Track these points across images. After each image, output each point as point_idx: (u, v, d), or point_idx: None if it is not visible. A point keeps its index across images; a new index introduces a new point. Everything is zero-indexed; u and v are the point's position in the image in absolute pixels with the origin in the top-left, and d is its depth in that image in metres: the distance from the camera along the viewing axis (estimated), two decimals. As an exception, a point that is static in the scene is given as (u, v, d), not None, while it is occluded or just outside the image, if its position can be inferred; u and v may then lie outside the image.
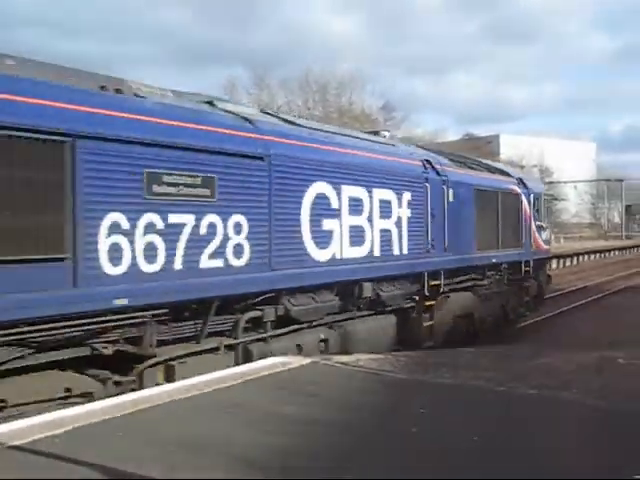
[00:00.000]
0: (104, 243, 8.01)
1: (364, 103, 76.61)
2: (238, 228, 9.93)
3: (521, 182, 20.24)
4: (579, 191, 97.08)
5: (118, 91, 8.84)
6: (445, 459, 6.16)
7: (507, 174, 19.96)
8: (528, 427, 7.16)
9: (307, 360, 10.40)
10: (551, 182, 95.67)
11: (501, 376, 9.92)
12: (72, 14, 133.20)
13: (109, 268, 8.05)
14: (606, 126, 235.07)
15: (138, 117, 8.62)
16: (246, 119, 10.81)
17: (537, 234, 20.88)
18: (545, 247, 21.87)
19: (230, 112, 10.85)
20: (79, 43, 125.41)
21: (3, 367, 7.53)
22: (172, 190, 8.83)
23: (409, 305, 14.98)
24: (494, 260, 17.86)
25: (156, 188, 8.61)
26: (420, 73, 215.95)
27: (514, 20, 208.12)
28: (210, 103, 10.98)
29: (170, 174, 8.82)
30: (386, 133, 32.42)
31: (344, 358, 10.98)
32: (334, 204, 12.09)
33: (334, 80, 73.70)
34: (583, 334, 19.33)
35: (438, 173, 15.45)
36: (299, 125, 12.54)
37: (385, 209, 13.45)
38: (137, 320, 8.69)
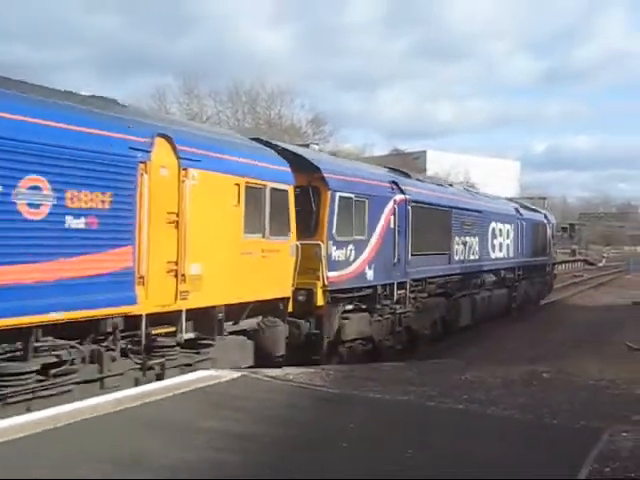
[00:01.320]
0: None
1: (294, 116, 76.86)
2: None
3: (546, 217, 33.59)
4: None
5: None
6: (377, 474, 6.14)
7: (543, 214, 33.71)
8: (457, 442, 7.21)
9: (237, 374, 10.28)
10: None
11: (430, 391, 10.02)
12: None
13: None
14: (530, 145, 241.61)
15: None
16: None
17: (551, 247, 34.28)
18: (554, 257, 36.76)
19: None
20: (5, 46, 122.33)
21: None
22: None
23: None
24: (535, 258, 30.89)
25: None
26: (350, 88, 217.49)
27: (444, 39, 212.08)
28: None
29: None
30: (315, 146, 32.84)
31: (273, 372, 10.90)
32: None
33: (264, 92, 73.70)
34: (509, 348, 19.65)
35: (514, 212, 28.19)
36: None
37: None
38: None
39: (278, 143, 15.28)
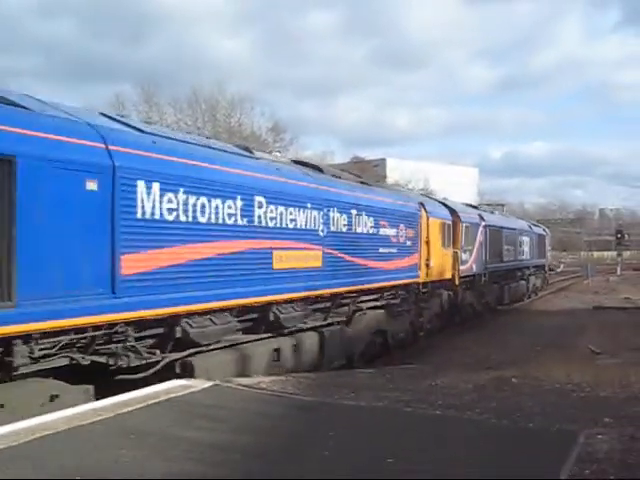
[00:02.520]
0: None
1: (253, 124, 76.80)
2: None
3: (545, 230, 46.85)
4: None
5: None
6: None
7: (542, 228, 46.65)
8: (438, 448, 7.27)
9: (209, 383, 10.23)
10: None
11: (403, 396, 10.09)
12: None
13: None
14: (487, 152, 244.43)
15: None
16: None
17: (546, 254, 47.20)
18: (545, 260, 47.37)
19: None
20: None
21: None
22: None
23: None
24: (537, 261, 42.71)
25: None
26: (310, 95, 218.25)
27: (402, 47, 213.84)
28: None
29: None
30: (277, 154, 33.41)
31: (245, 380, 10.87)
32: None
33: (224, 100, 73.54)
34: (475, 353, 19.86)
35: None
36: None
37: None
38: None
39: (444, 201, 26.66)
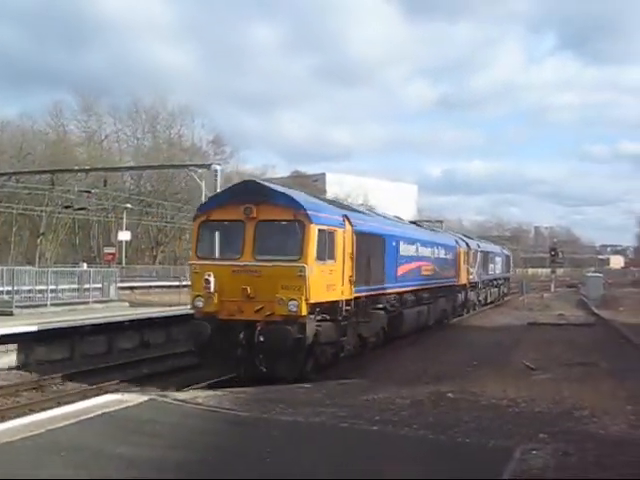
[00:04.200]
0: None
1: (194, 136, 76.47)
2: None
3: (508, 251, 63.15)
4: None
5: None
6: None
7: (507, 249, 65.08)
8: (379, 464, 7.27)
9: (144, 397, 10.10)
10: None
11: (341, 412, 10.08)
12: None
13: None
14: (426, 169, 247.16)
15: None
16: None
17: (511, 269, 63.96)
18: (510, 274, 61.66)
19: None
20: None
21: None
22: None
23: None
24: (504, 274, 55.11)
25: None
26: (252, 109, 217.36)
27: (344, 63, 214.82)
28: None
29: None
30: (217, 167, 33.39)
31: (182, 395, 10.75)
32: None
33: (164, 111, 73.04)
34: (412, 368, 19.94)
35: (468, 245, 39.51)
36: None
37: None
38: None
39: (464, 237, 40.64)
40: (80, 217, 61.83)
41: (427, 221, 55.30)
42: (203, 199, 43.43)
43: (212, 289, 15.96)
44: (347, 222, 18.04)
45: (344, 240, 17.64)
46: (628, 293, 53.41)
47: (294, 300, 15.54)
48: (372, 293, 19.94)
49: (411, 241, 25.01)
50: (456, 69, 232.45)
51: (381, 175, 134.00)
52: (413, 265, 24.82)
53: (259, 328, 15.54)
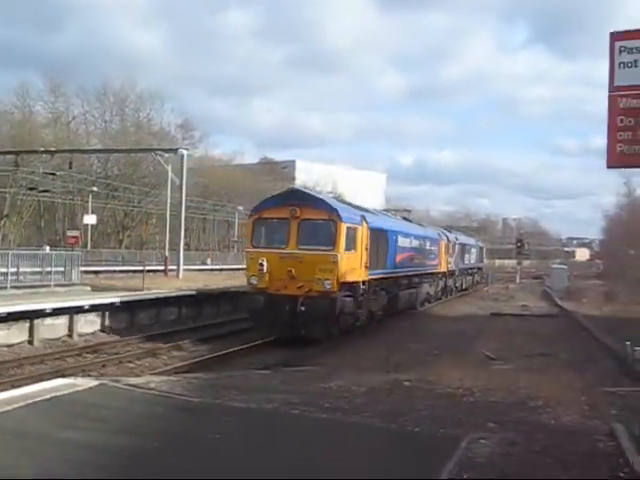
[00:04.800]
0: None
1: (163, 120, 75.80)
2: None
3: (482, 242, 71.96)
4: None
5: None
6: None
7: (481, 241, 73.33)
8: (323, 452, 7.22)
9: (95, 382, 9.97)
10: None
11: (294, 399, 10.03)
12: None
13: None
14: (397, 158, 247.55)
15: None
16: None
17: (484, 259, 69.93)
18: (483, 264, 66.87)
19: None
20: None
21: None
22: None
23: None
24: (478, 264, 60.94)
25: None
26: (224, 94, 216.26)
27: (318, 51, 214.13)
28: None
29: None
30: (184, 151, 33.05)
31: (134, 380, 10.63)
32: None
33: (133, 94, 72.17)
34: (372, 356, 19.95)
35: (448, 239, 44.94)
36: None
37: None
38: None
39: (446, 231, 46.94)
40: (46, 200, 61.11)
41: (394, 210, 55.78)
42: (169, 183, 43.64)
43: (265, 270, 21.11)
44: (364, 220, 23.48)
45: (362, 234, 22.94)
46: (592, 285, 53.89)
47: (328, 280, 20.77)
48: (379, 277, 25.33)
49: (406, 235, 30.56)
50: (428, 59, 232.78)
51: (352, 163, 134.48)
52: (407, 255, 30.34)
53: (301, 301, 20.73)
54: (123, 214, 68.06)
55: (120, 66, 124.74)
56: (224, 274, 47.97)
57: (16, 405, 8.23)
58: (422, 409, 9.76)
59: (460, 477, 6.34)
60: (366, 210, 26.73)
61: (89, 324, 23.15)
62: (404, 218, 38.07)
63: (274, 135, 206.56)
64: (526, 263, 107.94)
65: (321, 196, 25.45)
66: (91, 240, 59.77)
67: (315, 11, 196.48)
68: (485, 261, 72.10)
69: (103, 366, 17.57)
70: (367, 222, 23.66)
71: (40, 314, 20.79)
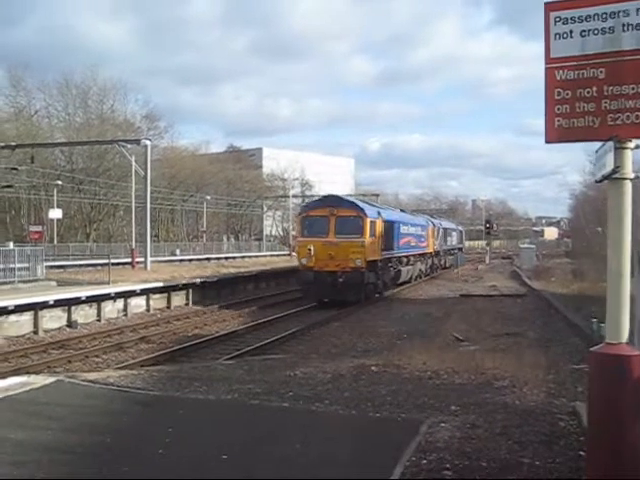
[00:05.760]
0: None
1: (127, 111, 75.04)
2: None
3: (461, 226, 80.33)
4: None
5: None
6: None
7: (460, 225, 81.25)
8: (279, 442, 7.09)
9: (51, 379, 9.73)
10: (311, 195, 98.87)
11: (256, 388, 9.89)
12: None
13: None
14: (366, 143, 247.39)
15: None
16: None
17: (464, 241, 77.03)
18: (462, 245, 72.79)
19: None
20: None
21: None
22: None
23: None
24: (459, 245, 66.34)
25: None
26: (190, 84, 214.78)
27: (284, 38, 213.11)
28: None
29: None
30: (147, 142, 32.95)
31: (92, 375, 10.41)
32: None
33: (96, 86, 71.21)
34: (341, 342, 19.91)
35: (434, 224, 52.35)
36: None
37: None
38: None
39: (430, 217, 56.00)
40: (10, 195, 60.23)
41: (363, 195, 60.42)
42: (133, 175, 43.21)
43: (312, 254, 29.03)
44: (380, 215, 32.43)
45: (379, 225, 31.63)
46: (560, 264, 54.37)
47: (359, 259, 29.12)
48: (389, 256, 33.99)
49: (405, 224, 39.02)
50: (396, 44, 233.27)
51: (322, 150, 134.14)
52: (406, 239, 38.54)
53: (339, 274, 28.94)
54: (90, 207, 67.19)
55: (83, 59, 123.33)
56: (193, 265, 47.66)
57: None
58: (386, 394, 9.64)
59: (418, 464, 6.24)
60: (380, 207, 37.60)
61: (55, 320, 22.85)
62: (401, 210, 48.58)
63: (241, 123, 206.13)
64: (496, 244, 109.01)
65: (351, 199, 36.27)
66: (58, 234, 59.03)
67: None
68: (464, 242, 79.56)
69: (69, 362, 17.28)
70: (382, 216, 32.68)
71: (3, 311, 20.47)
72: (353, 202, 32.72)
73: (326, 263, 29.02)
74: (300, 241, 31.37)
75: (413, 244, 40.81)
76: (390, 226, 33.97)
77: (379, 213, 32.43)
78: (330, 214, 29.80)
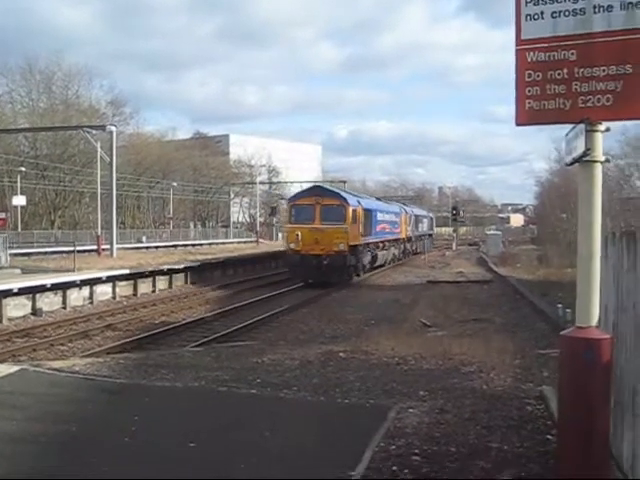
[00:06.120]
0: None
1: (92, 97, 74.06)
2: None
3: (430, 213, 78.94)
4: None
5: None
6: (160, 472, 5.79)
7: (429, 213, 76.97)
8: (246, 428, 7.01)
9: (15, 368, 9.54)
10: (278, 182, 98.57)
11: (224, 375, 9.81)
12: None
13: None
14: (332, 130, 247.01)
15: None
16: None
17: (434, 228, 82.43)
18: (433, 232, 79.09)
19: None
20: None
21: None
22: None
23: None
24: (429, 232, 71.53)
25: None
26: (156, 70, 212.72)
27: (249, 24, 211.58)
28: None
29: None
30: (112, 128, 32.59)
31: (57, 363, 10.24)
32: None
33: (60, 71, 70.09)
34: (309, 328, 19.88)
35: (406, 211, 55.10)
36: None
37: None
38: None
39: (404, 205, 58.85)
40: (-27, 182, 59.31)
41: (331, 181, 60.62)
42: (99, 161, 42.69)
43: (299, 239, 31.94)
44: (360, 204, 35.42)
45: (359, 213, 34.29)
46: (526, 250, 54.87)
47: (342, 243, 31.88)
48: (368, 241, 36.78)
49: (381, 211, 42.37)
50: (362, 30, 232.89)
51: (289, 136, 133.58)
52: (382, 226, 41.42)
53: (324, 257, 31.65)
54: (54, 194, 66.24)
55: (48, 43, 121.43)
56: (160, 252, 47.32)
57: None
58: (354, 380, 9.63)
59: (387, 450, 6.20)
60: (360, 196, 41.22)
61: (19, 308, 22.51)
62: (377, 199, 51.49)
63: (207, 110, 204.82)
64: (462, 230, 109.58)
65: (335, 189, 39.55)
66: (22, 222, 58.24)
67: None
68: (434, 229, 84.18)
69: (33, 350, 17.00)
70: (361, 204, 35.76)
71: (-35, 300, 20.13)
72: (337, 192, 36.13)
73: (312, 247, 31.84)
74: (288, 227, 34.54)
75: (388, 230, 43.77)
76: (369, 213, 36.91)
77: (359, 202, 35.73)
78: (316, 203, 32.79)
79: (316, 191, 34.58)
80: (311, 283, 31.75)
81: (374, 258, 38.80)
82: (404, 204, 60.78)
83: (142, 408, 7.72)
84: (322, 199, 32.92)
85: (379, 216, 40.68)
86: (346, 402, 8.10)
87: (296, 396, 8.39)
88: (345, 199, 33.80)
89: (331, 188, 40.07)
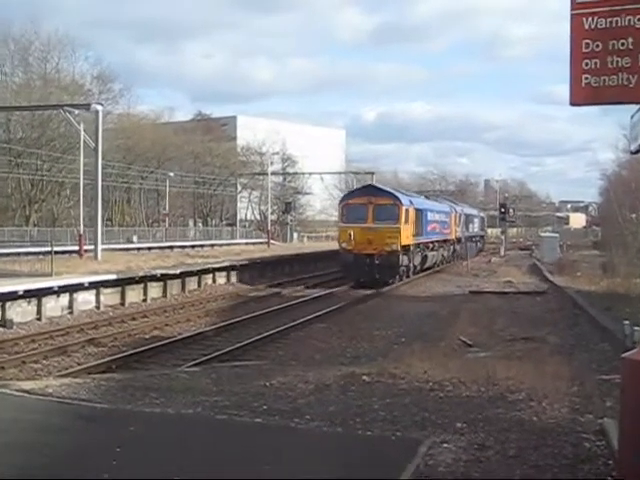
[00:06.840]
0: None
1: (75, 70, 74.31)
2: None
3: (481, 213, 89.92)
4: (326, 184, 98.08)
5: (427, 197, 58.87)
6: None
7: (479, 213, 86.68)
8: (245, 465, 7.00)
9: (-22, 390, 9.61)
10: (294, 173, 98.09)
11: (225, 401, 9.82)
12: None
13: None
14: (359, 113, 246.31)
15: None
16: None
17: (486, 229, 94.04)
18: (484, 233, 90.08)
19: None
20: None
21: None
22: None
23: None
24: (480, 232, 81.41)
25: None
26: (150, 40, 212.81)
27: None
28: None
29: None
30: (98, 107, 32.62)
31: (28, 384, 10.30)
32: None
33: (38, 41, 70.31)
34: (328, 346, 19.90)
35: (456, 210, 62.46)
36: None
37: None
38: None
39: (453, 204, 65.33)
40: None
41: (355, 173, 61.24)
42: (82, 146, 42.86)
43: (352, 238, 37.11)
44: (412, 203, 41.31)
45: (411, 213, 39.94)
46: (588, 256, 54.74)
47: (395, 243, 37.12)
48: (419, 242, 42.43)
49: (432, 211, 48.21)
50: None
51: (307, 119, 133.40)
52: (432, 226, 47.16)
53: (376, 257, 36.95)
54: (30, 185, 66.68)
55: (23, 8, 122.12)
56: (153, 254, 47.61)
57: None
58: (379, 409, 9.60)
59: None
60: (411, 195, 47.84)
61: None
62: (426, 197, 56.27)
63: (211, 87, 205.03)
64: (512, 232, 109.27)
65: (388, 188, 44.36)
66: (-9, 217, 58.74)
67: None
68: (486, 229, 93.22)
69: (2, 368, 17.14)
70: (413, 204, 41.74)
71: None
72: (390, 191, 41.89)
73: (364, 247, 37.16)
74: (341, 226, 40.54)
75: (438, 230, 49.75)
76: (420, 213, 42.93)
77: (411, 201, 41.96)
78: (368, 202, 38.34)
79: (369, 190, 40.87)
80: (355, 286, 36.78)
81: (424, 259, 44.19)
82: (453, 202, 66.91)
83: (126, 438, 7.74)
84: (375, 198, 38.51)
85: (429, 216, 46.31)
86: (368, 434, 8.09)
87: (309, 426, 8.39)
88: (398, 198, 39.51)
89: (384, 187, 45.03)
